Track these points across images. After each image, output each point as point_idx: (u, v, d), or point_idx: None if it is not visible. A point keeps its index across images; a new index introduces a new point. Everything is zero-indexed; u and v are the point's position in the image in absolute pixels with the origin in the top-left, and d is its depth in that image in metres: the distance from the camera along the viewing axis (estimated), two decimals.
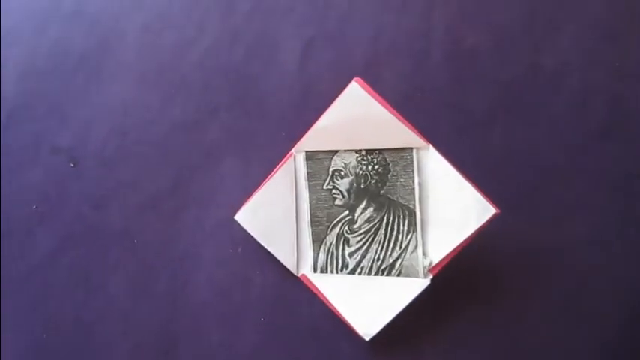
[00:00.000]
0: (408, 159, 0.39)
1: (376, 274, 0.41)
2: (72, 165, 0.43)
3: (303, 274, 0.42)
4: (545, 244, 0.42)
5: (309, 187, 0.41)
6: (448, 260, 0.39)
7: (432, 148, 0.38)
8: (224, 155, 0.44)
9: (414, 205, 0.39)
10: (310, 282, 0.42)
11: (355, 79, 0.38)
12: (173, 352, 0.42)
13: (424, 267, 0.39)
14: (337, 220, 0.41)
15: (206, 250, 0.43)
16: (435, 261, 0.39)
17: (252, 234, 0.42)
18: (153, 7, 0.45)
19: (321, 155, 0.41)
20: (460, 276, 0.41)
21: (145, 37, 0.45)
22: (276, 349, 0.42)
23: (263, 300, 0.43)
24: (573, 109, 0.44)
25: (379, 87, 0.39)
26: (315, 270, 0.42)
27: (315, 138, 0.40)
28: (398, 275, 0.40)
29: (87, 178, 0.43)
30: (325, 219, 0.41)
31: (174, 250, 0.43)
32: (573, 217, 0.42)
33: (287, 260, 0.42)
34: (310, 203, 0.41)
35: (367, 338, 0.40)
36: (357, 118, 0.39)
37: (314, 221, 0.41)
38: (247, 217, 0.42)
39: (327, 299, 0.41)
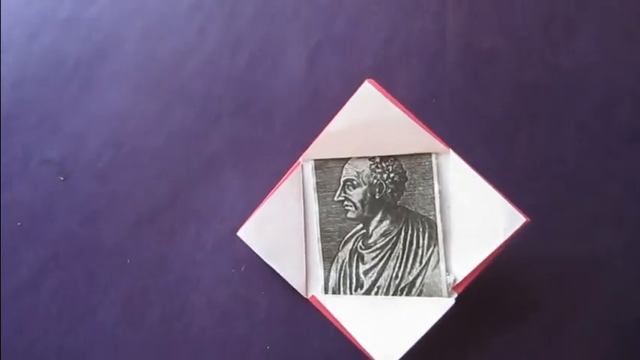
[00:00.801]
0: (426, 165, 0.36)
1: (394, 294, 0.36)
2: (61, 178, 0.40)
3: (312, 296, 0.38)
4: (578, 257, 0.39)
5: (319, 198, 0.38)
6: (474, 277, 0.35)
7: (452, 153, 0.35)
8: (226, 166, 0.41)
9: (435, 216, 0.36)
10: (321, 304, 0.38)
11: (368, 80, 0.36)
12: None
13: (448, 285, 0.35)
14: (350, 234, 0.37)
15: (206, 270, 0.39)
16: (460, 278, 0.35)
17: (256, 251, 0.38)
18: (153, 12, 0.43)
19: (331, 164, 0.37)
20: (487, 294, 0.37)
21: (144, 44, 0.42)
22: None
23: (269, 325, 0.38)
24: (599, 112, 0.41)
25: (391, 92, 0.36)
26: (326, 291, 0.38)
27: (325, 145, 0.37)
28: (419, 295, 0.36)
29: (77, 191, 0.40)
30: (337, 234, 0.38)
31: (171, 270, 0.39)
32: (607, 226, 0.39)
33: (295, 280, 0.38)
34: (320, 217, 0.38)
35: None
36: (370, 122, 0.36)
37: (324, 237, 0.38)
38: (251, 232, 0.38)
39: (340, 324, 0.37)
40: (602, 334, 0.38)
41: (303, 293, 0.38)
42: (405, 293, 0.36)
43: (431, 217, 0.36)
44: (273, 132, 0.41)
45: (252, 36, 0.42)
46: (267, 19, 0.42)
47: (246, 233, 0.38)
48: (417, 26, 0.42)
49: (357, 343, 0.37)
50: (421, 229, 0.36)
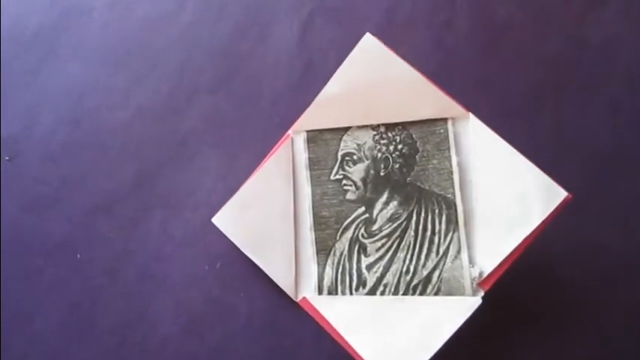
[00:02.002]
0: (441, 133, 0.30)
1: (405, 293, 0.29)
2: (7, 158, 0.34)
3: (303, 298, 0.31)
4: (617, 249, 0.32)
5: (312, 177, 0.31)
6: (506, 268, 0.28)
7: (473, 117, 0.29)
8: (203, 146, 0.35)
9: (453, 194, 0.29)
10: (314, 308, 0.30)
11: (368, 34, 0.30)
12: None
13: (472, 280, 0.28)
14: (349, 220, 0.31)
15: (173, 267, 0.32)
16: (487, 271, 0.28)
17: (234, 242, 0.31)
18: None
19: (326, 135, 0.31)
20: (516, 291, 0.30)
21: (112, 13, 0.37)
22: None
23: (248, 335, 0.31)
24: (628, 85, 0.36)
25: None
26: (320, 291, 0.30)
27: (320, 112, 0.31)
28: (436, 294, 0.29)
29: (24, 173, 0.34)
30: (333, 220, 0.31)
31: (131, 267, 0.32)
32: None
33: (282, 279, 0.31)
34: (313, 199, 0.31)
35: None
36: (373, 82, 0.30)
37: (318, 224, 0.31)
38: (228, 219, 0.31)
39: (337, 332, 0.30)
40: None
41: (291, 295, 0.31)
42: (418, 292, 0.29)
43: (449, 196, 0.29)
44: (259, 109, 0.36)
45: (238, 3, 0.38)
46: None
47: (223, 220, 0.31)
48: None
49: (358, 357, 0.29)
50: (437, 211, 0.30)
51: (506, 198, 0.28)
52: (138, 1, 0.38)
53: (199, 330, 0.31)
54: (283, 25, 0.38)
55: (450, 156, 0.30)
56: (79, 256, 0.32)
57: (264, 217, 0.31)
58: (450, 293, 0.29)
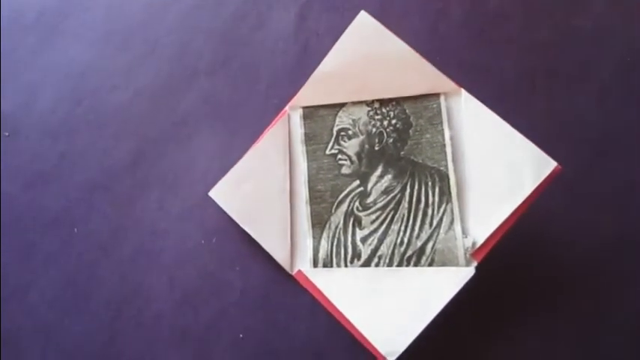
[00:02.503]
0: (434, 108, 0.30)
1: (400, 264, 0.30)
2: (6, 134, 0.34)
3: (299, 271, 0.31)
4: (605, 222, 0.33)
5: (308, 152, 0.32)
6: (498, 238, 0.28)
7: (465, 93, 0.30)
8: (201, 125, 0.35)
9: (446, 167, 0.30)
10: (309, 281, 0.30)
11: (363, 11, 0.31)
12: None
13: (465, 250, 0.29)
14: (344, 194, 0.31)
15: (169, 242, 0.32)
16: (480, 241, 0.29)
17: (230, 215, 0.31)
18: None
19: (322, 111, 0.32)
20: (509, 264, 0.31)
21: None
22: None
23: (243, 309, 0.31)
24: (621, 71, 0.37)
25: None
26: (315, 264, 0.31)
27: (316, 89, 0.32)
28: (430, 264, 0.29)
29: (23, 149, 0.34)
30: (329, 194, 0.31)
31: (126, 242, 0.32)
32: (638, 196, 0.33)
33: (277, 252, 0.31)
34: (309, 173, 0.32)
35: (391, 359, 0.28)
36: (368, 58, 0.31)
37: (314, 197, 0.31)
38: (225, 192, 0.32)
39: (332, 304, 0.30)
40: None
41: (287, 267, 0.31)
42: (412, 263, 0.29)
43: (442, 169, 0.30)
44: (256, 91, 0.36)
45: None
46: None
47: (219, 193, 0.32)
48: None
49: (353, 328, 0.29)
50: (430, 184, 0.30)
51: (497, 169, 0.29)
52: None
53: (193, 305, 0.31)
54: (281, 12, 0.39)
55: (442, 130, 0.30)
56: (75, 230, 0.32)
57: (261, 190, 0.31)
58: (443, 264, 0.29)
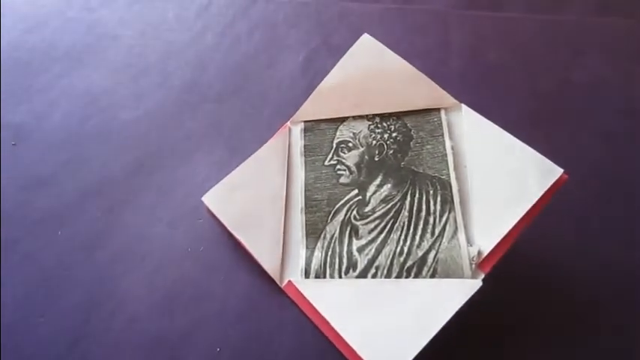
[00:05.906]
0: (435, 122, 0.31)
1: (399, 275, 0.27)
2: (13, 143, 0.35)
3: (289, 282, 0.28)
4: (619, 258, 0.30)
5: (306, 163, 0.31)
6: (507, 248, 0.26)
7: (465, 107, 0.30)
8: (203, 144, 0.36)
9: (448, 175, 0.29)
10: (299, 293, 0.28)
11: (365, 34, 0.33)
12: None
13: (471, 260, 0.26)
14: (342, 202, 0.30)
15: (155, 246, 0.31)
16: (486, 250, 0.26)
17: (222, 221, 0.30)
18: (148, 16, 0.43)
19: (323, 125, 0.32)
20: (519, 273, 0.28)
21: (140, 39, 0.42)
22: None
23: (224, 320, 0.28)
24: (619, 115, 0.37)
25: None
26: (307, 274, 0.28)
27: (317, 103, 0.32)
28: (432, 275, 0.27)
29: (27, 157, 0.34)
30: (325, 202, 0.30)
31: (109, 244, 0.31)
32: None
33: (268, 261, 0.29)
34: (306, 183, 0.31)
35: None
36: (369, 74, 0.32)
37: (309, 206, 0.30)
38: (219, 198, 0.31)
39: (322, 319, 0.27)
40: None
41: (276, 278, 0.28)
42: (413, 274, 0.27)
43: (443, 177, 0.29)
44: (261, 116, 0.37)
45: (251, 37, 0.42)
46: (268, 27, 0.43)
47: (213, 199, 0.31)
48: (419, 41, 0.41)
49: (345, 346, 0.26)
50: (432, 192, 0.29)
51: (501, 177, 0.28)
52: (163, 32, 0.43)
53: (168, 311, 0.28)
54: (290, 55, 0.41)
55: (444, 141, 0.30)
56: (59, 232, 0.31)
57: (255, 198, 0.30)
58: (447, 275, 0.26)
